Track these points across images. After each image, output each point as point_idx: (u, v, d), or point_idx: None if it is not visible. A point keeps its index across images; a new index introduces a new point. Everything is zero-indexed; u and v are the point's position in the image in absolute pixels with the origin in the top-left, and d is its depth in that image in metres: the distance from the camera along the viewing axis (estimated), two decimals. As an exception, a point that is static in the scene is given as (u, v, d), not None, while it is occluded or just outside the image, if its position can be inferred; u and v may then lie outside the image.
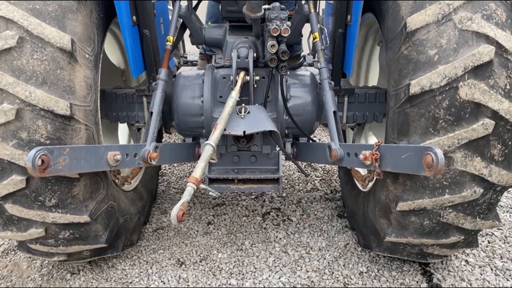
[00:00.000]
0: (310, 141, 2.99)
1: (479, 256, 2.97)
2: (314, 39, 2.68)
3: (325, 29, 2.66)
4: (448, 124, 2.07)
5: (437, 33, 2.07)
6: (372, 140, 3.60)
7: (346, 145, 2.45)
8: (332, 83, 2.63)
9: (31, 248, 2.50)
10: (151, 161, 2.44)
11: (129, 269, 2.88)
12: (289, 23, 2.47)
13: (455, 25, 2.05)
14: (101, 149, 2.24)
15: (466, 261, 2.92)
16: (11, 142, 2.07)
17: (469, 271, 2.83)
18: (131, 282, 2.77)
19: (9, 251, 3.08)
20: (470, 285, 2.71)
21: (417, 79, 2.08)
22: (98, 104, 2.43)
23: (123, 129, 3.61)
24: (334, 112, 2.52)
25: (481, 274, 2.80)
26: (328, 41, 2.69)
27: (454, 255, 2.95)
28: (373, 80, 3.51)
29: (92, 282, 2.77)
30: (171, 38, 2.77)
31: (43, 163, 1.90)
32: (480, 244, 3.07)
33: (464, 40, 2.04)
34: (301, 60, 3.32)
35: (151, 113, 2.58)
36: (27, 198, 2.19)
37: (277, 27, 2.43)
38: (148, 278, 2.80)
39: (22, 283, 2.77)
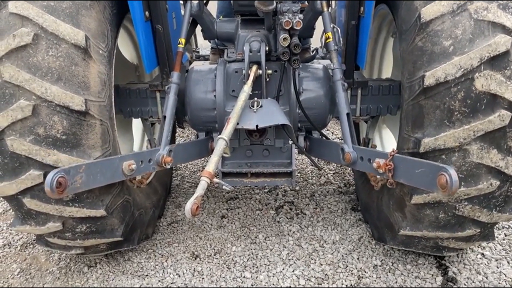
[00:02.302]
0: (323, 138, 2.97)
1: (495, 249, 2.94)
2: (327, 39, 2.64)
3: (338, 29, 2.61)
4: (463, 116, 2.04)
5: (452, 24, 2.04)
6: (386, 133, 3.57)
7: (359, 149, 2.43)
8: (346, 84, 2.59)
9: (49, 242, 2.56)
10: (165, 165, 2.48)
11: (144, 262, 2.92)
12: (301, 16, 2.46)
13: (470, 15, 2.02)
14: (116, 160, 2.27)
15: (482, 254, 2.89)
16: (28, 137, 2.11)
17: (485, 264, 2.81)
18: (147, 275, 2.80)
19: (28, 244, 3.15)
20: (486, 278, 2.69)
21: (432, 70, 2.06)
22: (113, 99, 2.46)
23: (136, 124, 3.64)
24: (348, 115, 2.50)
25: (498, 267, 2.77)
26: (341, 41, 2.65)
27: (470, 248, 2.92)
28: (387, 72, 3.47)
29: (108, 274, 2.82)
30: (182, 40, 2.75)
31: (60, 185, 1.93)
32: (497, 237, 3.03)
33: (480, 30, 2.00)
34: (314, 53, 3.29)
35: (164, 117, 2.59)
36: (45, 193, 2.22)
37: (289, 20, 2.42)
38: (163, 271, 2.84)
39: (40, 276, 2.83)
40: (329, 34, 2.61)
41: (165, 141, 2.53)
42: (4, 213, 3.56)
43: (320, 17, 2.69)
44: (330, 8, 2.77)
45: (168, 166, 2.51)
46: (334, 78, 2.58)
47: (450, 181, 1.77)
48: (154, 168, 2.50)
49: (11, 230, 3.30)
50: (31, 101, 2.08)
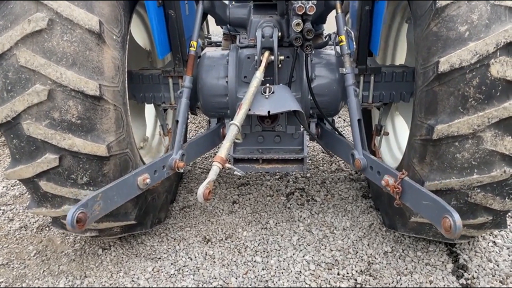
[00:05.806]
0: (336, 132, 2.96)
1: (507, 237, 2.93)
2: (340, 42, 2.60)
3: (352, 32, 2.58)
4: (478, 102, 2.02)
5: (468, 9, 2.01)
6: (399, 120, 3.55)
7: (370, 158, 2.43)
8: (358, 90, 2.57)
9: (64, 224, 2.60)
10: (178, 169, 2.52)
11: (157, 245, 2.97)
12: (314, 1, 2.43)
13: (487, 0, 1.98)
14: (130, 178, 2.29)
15: (494, 242, 2.88)
16: (44, 122, 2.15)
17: (496, 252, 2.80)
18: (159, 258, 2.85)
19: (44, 227, 3.22)
20: (498, 266, 2.68)
21: (446, 56, 2.03)
22: (126, 85, 2.47)
23: (149, 110, 3.67)
24: (359, 121, 2.50)
25: (509, 256, 2.77)
26: (354, 45, 2.62)
27: (481, 236, 2.91)
28: (400, 58, 3.43)
29: (122, 257, 2.87)
30: (195, 43, 2.75)
31: (81, 220, 1.98)
32: (509, 225, 3.01)
33: (496, 15, 1.97)
34: (326, 39, 3.26)
35: (177, 121, 2.61)
36: (60, 176, 2.27)
37: (302, 5, 2.40)
38: (175, 254, 2.89)
39: (56, 258, 2.90)
40: (343, 37, 2.58)
41: (178, 145, 2.55)
42: (20, 196, 3.64)
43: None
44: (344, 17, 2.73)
45: (181, 170, 2.55)
46: (346, 83, 2.55)
47: (454, 227, 1.81)
48: (168, 173, 2.53)
49: (27, 212, 3.38)
50: (47, 85, 2.10)
